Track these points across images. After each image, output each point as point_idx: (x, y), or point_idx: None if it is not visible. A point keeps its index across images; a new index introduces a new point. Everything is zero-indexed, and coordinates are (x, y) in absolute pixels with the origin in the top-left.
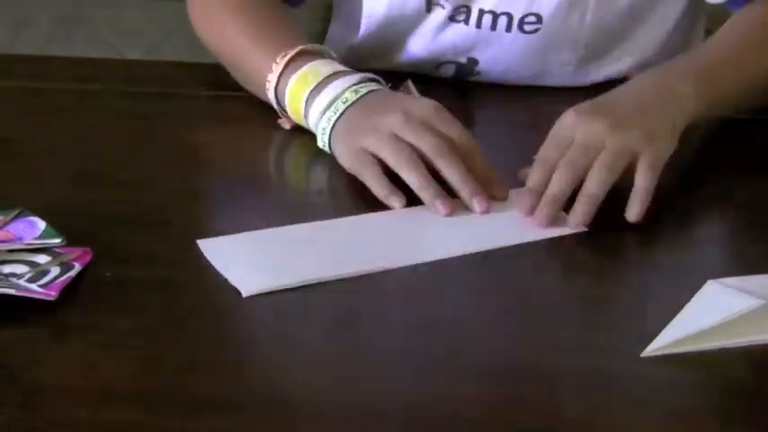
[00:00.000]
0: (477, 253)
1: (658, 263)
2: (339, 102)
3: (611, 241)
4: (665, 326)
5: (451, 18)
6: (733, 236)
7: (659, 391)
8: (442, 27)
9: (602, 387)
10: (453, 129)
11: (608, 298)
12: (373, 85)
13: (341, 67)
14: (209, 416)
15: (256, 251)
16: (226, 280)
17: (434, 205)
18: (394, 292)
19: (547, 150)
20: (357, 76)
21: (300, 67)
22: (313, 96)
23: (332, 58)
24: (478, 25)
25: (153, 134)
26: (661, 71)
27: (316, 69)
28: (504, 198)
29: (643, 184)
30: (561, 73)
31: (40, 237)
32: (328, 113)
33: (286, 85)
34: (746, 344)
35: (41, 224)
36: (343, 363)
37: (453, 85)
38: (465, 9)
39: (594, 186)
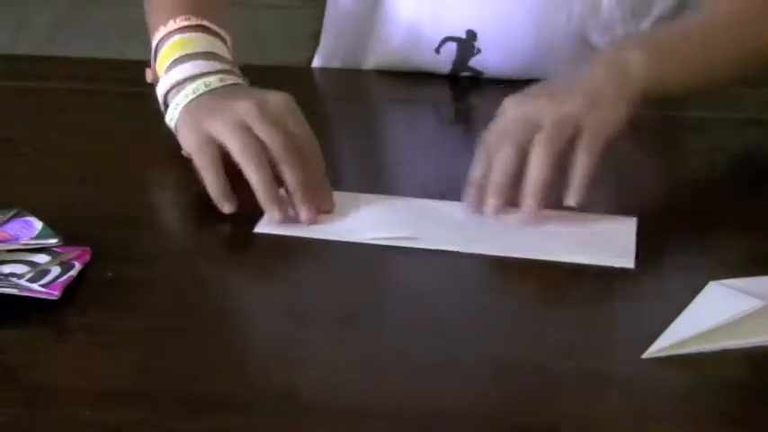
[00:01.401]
0: (478, 254)
1: (659, 264)
2: (201, 82)
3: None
4: (666, 327)
5: None
6: (735, 237)
7: (660, 392)
8: None
9: (602, 388)
10: (303, 130)
11: (609, 299)
12: (240, 80)
13: (221, 52)
14: (210, 416)
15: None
16: (226, 280)
17: (270, 210)
18: (396, 292)
19: (489, 136)
20: (228, 65)
21: (191, 31)
22: (176, 64)
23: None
24: None
25: (153, 134)
26: (618, 42)
27: (198, 41)
28: (330, 210)
29: (581, 170)
30: (563, 44)
31: (37, 237)
32: (187, 90)
33: (167, 41)
34: (748, 345)
35: (38, 224)
36: (344, 363)
37: (450, 84)
38: None
39: (537, 171)
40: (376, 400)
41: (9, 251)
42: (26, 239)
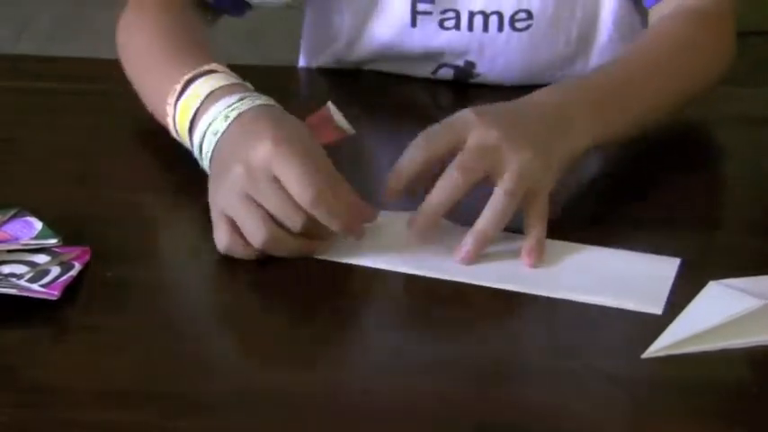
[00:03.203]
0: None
1: None
2: (210, 133)
3: (613, 242)
4: (666, 327)
5: (441, 25)
6: (735, 237)
7: (660, 391)
8: (432, 36)
9: (603, 388)
10: (297, 171)
11: None
12: (247, 103)
13: (224, 82)
14: (210, 416)
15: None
16: (227, 280)
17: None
18: (395, 291)
19: (436, 135)
20: (233, 98)
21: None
22: (193, 125)
23: (228, 75)
24: (470, 28)
25: (153, 134)
26: (562, 95)
27: (196, 92)
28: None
29: (537, 235)
30: (564, 63)
31: (37, 237)
32: (204, 148)
33: (175, 109)
34: (748, 345)
35: (38, 224)
36: (345, 363)
37: (451, 88)
38: (454, 13)
39: (486, 226)
40: (375, 400)
41: (9, 251)
42: (26, 239)
